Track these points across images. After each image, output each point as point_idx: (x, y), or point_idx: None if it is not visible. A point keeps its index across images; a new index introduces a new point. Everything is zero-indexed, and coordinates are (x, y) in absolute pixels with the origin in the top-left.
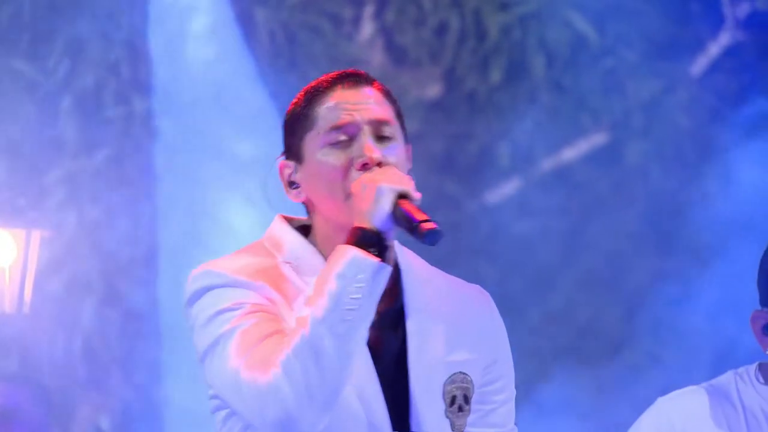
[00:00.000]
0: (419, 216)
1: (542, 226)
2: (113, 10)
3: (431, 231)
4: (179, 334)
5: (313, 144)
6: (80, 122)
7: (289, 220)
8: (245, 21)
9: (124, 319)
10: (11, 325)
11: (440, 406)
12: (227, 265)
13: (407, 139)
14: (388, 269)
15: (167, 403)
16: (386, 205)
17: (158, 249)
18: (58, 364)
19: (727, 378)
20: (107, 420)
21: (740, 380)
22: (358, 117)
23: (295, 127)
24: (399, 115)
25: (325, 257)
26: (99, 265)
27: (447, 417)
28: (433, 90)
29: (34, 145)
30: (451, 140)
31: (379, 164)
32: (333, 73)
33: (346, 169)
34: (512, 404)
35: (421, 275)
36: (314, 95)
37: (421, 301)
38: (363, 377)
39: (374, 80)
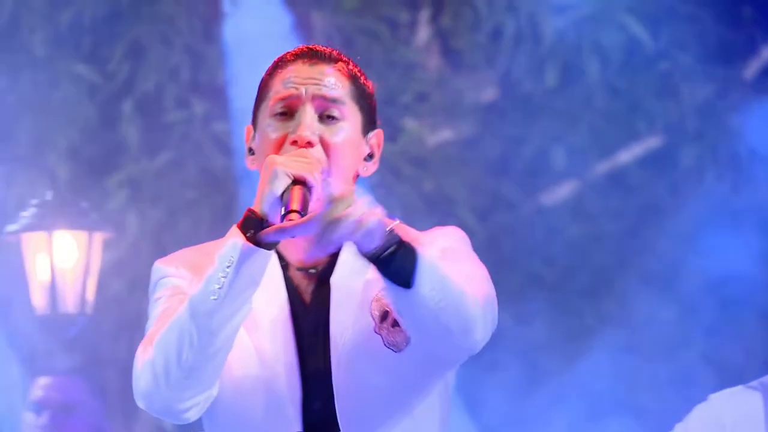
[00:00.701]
0: (292, 206)
1: (597, 229)
2: (173, 14)
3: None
4: None
5: (263, 114)
6: (141, 126)
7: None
8: (303, 25)
9: None
10: (74, 324)
11: (367, 324)
12: (170, 258)
13: (373, 124)
14: (261, 253)
15: None
16: (276, 189)
17: None
18: (122, 363)
19: None
20: None
21: None
22: (302, 91)
23: (257, 95)
24: (362, 98)
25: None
26: None
27: (378, 333)
28: (489, 93)
29: (95, 149)
30: (506, 143)
31: (309, 143)
32: (296, 48)
33: (280, 144)
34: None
35: None
36: (276, 66)
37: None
38: (276, 348)
39: (341, 59)
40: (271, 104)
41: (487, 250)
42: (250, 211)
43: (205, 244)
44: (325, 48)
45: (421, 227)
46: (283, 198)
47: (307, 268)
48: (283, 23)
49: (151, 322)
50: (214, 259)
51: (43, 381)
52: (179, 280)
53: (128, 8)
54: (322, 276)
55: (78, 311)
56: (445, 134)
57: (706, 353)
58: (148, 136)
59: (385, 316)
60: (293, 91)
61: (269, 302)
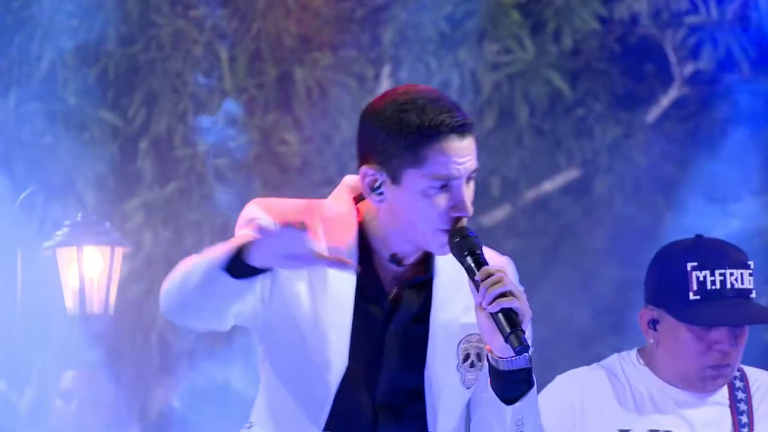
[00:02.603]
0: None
1: (527, 244)
2: (181, 70)
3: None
4: (238, 331)
5: (415, 178)
6: (154, 160)
7: (355, 188)
8: (286, 79)
9: None
10: (99, 323)
11: (453, 360)
12: (266, 203)
13: None
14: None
15: (225, 386)
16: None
17: None
18: (138, 355)
19: (612, 360)
20: (178, 399)
21: (624, 362)
22: (461, 172)
23: (396, 150)
24: None
25: (369, 229)
26: None
27: (458, 371)
28: None
29: (117, 179)
30: None
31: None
32: (438, 110)
33: (442, 212)
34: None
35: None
36: (424, 132)
37: (449, 273)
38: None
39: (472, 123)
40: (429, 175)
41: None
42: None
43: (302, 201)
44: (464, 115)
45: None
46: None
47: (400, 260)
48: (271, 76)
49: None
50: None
51: (71, 374)
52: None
53: (144, 65)
54: (409, 275)
55: (102, 312)
56: None
57: (615, 345)
58: (160, 168)
59: (466, 358)
60: (455, 173)
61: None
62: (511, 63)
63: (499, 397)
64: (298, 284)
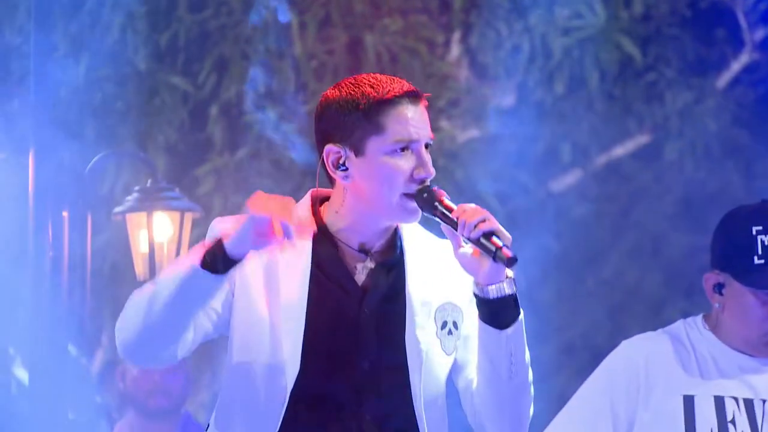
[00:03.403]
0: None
1: (597, 209)
2: (250, 36)
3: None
4: None
5: (377, 146)
6: (225, 126)
7: (320, 194)
8: (356, 45)
9: None
10: None
11: (432, 328)
12: (227, 219)
13: None
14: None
15: None
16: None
17: None
18: None
19: (677, 326)
20: None
21: (689, 327)
22: (421, 135)
23: (357, 125)
24: None
25: (327, 224)
26: None
27: (438, 338)
28: (508, 99)
29: (187, 145)
30: (523, 140)
31: (427, 178)
32: (389, 81)
33: (407, 177)
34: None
35: (418, 234)
36: (381, 103)
37: (418, 252)
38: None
39: (424, 95)
40: (391, 140)
41: (506, 227)
42: None
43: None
44: (413, 86)
45: None
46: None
47: (367, 250)
48: (341, 42)
49: None
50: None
51: None
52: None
53: (214, 30)
54: (378, 260)
55: None
56: (473, 133)
57: (685, 310)
58: (230, 134)
59: (444, 325)
60: (415, 136)
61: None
62: (582, 28)
63: (492, 325)
64: (256, 283)
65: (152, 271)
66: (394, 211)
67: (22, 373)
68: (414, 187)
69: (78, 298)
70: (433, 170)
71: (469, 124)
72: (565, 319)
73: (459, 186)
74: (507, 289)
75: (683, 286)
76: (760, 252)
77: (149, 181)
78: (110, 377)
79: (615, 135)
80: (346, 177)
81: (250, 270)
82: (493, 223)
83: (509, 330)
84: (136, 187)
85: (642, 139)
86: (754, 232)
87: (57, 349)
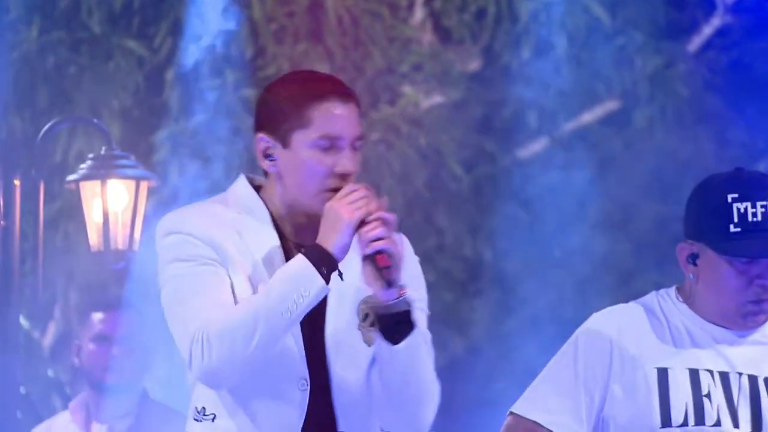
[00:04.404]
0: (381, 263)
1: (564, 177)
2: None
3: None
4: None
5: (302, 139)
6: (181, 91)
7: (251, 180)
8: (317, 7)
9: None
10: (124, 259)
11: (354, 321)
12: (191, 216)
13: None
14: (328, 289)
15: None
16: (347, 238)
17: None
18: None
19: (650, 297)
20: None
21: (662, 299)
22: (347, 132)
23: (286, 116)
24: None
25: (270, 211)
26: None
27: (359, 330)
28: (474, 64)
29: (143, 111)
30: (489, 106)
31: (349, 174)
32: (324, 79)
33: (328, 172)
34: (424, 316)
35: None
36: (310, 96)
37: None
38: None
39: (356, 96)
40: (315, 137)
41: (472, 195)
42: (322, 249)
43: (207, 203)
44: (345, 85)
45: (418, 177)
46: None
47: (305, 246)
48: (301, 5)
49: (186, 289)
50: (284, 279)
51: (100, 315)
52: (203, 247)
53: None
54: None
55: (127, 248)
56: (437, 98)
57: (657, 281)
58: (187, 100)
59: (365, 317)
60: (340, 132)
61: (270, 261)
62: None
63: (387, 339)
64: (243, 272)
65: (106, 241)
66: (316, 205)
67: None
68: (334, 185)
69: (30, 269)
70: (355, 167)
71: (433, 89)
72: (532, 290)
73: (423, 153)
74: (401, 305)
75: (654, 257)
76: (735, 220)
77: (103, 148)
78: (63, 351)
79: (583, 101)
80: (273, 167)
81: (231, 258)
82: (388, 244)
83: (401, 345)
84: (90, 155)
85: (611, 105)
86: (729, 200)
87: (8, 322)
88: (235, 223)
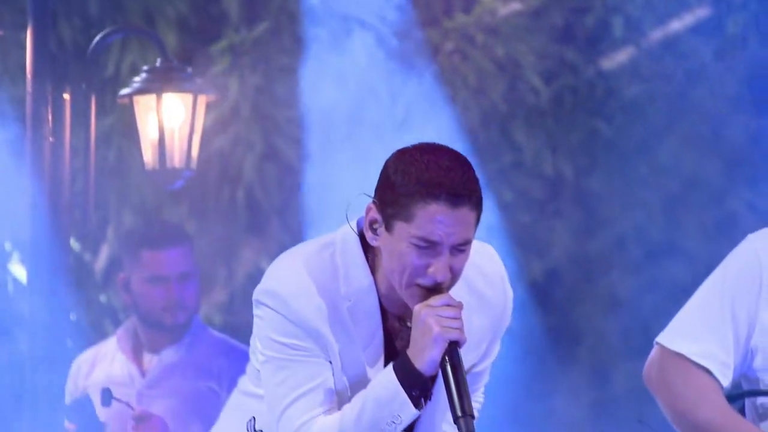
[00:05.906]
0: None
1: (651, 90)
2: None
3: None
4: (327, 185)
5: (403, 231)
6: None
7: (361, 235)
8: None
9: (280, 172)
10: (180, 178)
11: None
12: (300, 298)
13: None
14: (419, 413)
15: None
16: (437, 355)
17: (309, 111)
18: (223, 213)
19: None
20: (266, 261)
21: None
22: (447, 239)
23: (394, 201)
24: (478, 220)
25: (380, 296)
26: (258, 125)
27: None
28: None
29: (201, 19)
30: (570, 13)
31: (442, 283)
32: (444, 173)
33: (421, 271)
34: (486, 375)
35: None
36: (420, 193)
37: None
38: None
39: (473, 194)
40: (414, 234)
41: (552, 109)
42: (412, 368)
43: (317, 271)
44: (465, 186)
45: (494, 90)
46: (443, 368)
47: (404, 319)
48: None
49: (283, 378)
50: (375, 400)
51: (152, 254)
52: (305, 339)
53: None
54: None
55: (184, 166)
56: (515, 5)
57: (750, 201)
58: (248, 7)
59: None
60: (438, 239)
61: (370, 339)
62: None
63: None
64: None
65: (161, 159)
66: (406, 297)
67: (19, 271)
68: (427, 282)
69: (81, 189)
70: (447, 276)
71: None
72: (616, 210)
73: (499, 64)
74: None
75: (746, 175)
76: None
77: (158, 60)
78: (116, 276)
79: (672, 7)
80: (374, 240)
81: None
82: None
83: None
84: (144, 67)
85: (701, 12)
86: None
87: (57, 245)
88: (345, 312)
